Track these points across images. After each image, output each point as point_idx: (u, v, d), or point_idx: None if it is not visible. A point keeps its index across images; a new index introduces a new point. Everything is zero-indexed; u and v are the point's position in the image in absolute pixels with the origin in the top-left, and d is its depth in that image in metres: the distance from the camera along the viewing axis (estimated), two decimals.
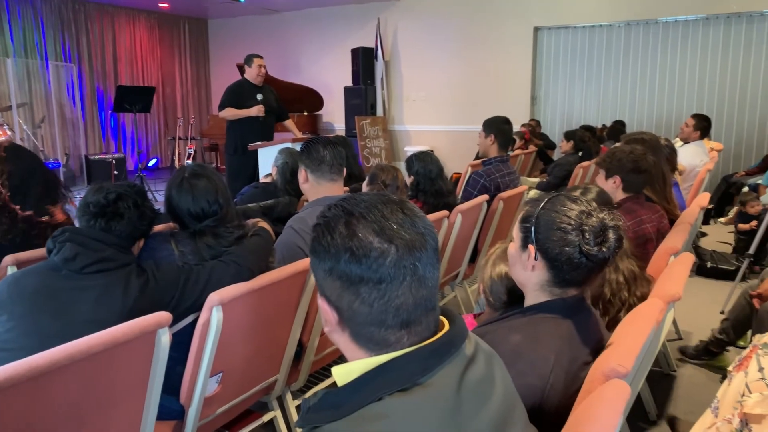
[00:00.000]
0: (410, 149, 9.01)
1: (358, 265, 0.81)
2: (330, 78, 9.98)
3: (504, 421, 0.89)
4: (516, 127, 5.99)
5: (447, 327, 0.88)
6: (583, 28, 8.22)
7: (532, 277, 1.31)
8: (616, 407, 0.99)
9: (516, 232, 1.36)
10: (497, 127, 3.71)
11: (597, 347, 1.31)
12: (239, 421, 2.08)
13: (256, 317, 1.82)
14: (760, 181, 5.65)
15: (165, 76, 11.05)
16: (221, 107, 5.56)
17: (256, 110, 5.44)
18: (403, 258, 0.81)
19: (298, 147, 2.94)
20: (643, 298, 1.80)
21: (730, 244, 5.12)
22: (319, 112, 9.90)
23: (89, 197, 1.70)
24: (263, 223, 2.05)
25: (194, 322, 1.67)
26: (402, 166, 3.43)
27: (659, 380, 2.86)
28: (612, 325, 1.63)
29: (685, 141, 5.18)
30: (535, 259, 1.28)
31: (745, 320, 2.75)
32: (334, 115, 10.09)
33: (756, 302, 2.62)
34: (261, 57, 5.58)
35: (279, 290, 1.87)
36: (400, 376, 0.80)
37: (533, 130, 7.52)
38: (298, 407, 2.23)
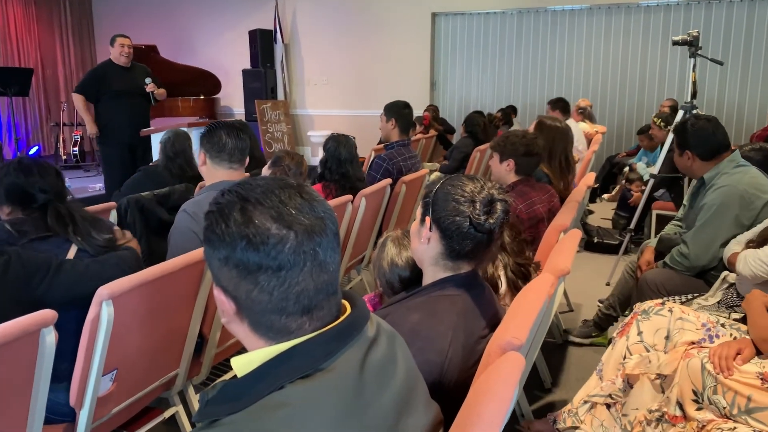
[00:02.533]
0: (313, 134, 8.93)
1: (256, 252, 0.78)
2: (227, 60, 9.65)
3: (406, 400, 0.91)
4: (417, 112, 6.10)
5: (349, 310, 0.88)
6: (478, 14, 8.46)
7: (428, 250, 1.37)
8: (512, 378, 1.04)
9: (419, 209, 1.42)
10: (398, 111, 3.75)
11: (493, 321, 1.38)
12: (138, 419, 1.99)
13: (151, 310, 1.74)
14: (634, 161, 6.10)
15: (45, 56, 10.19)
16: (77, 90, 5.29)
17: (90, 126, 5.27)
18: (302, 244, 0.79)
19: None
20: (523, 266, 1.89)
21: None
22: (217, 96, 9.55)
23: None
24: (135, 245, 2.00)
25: (80, 319, 1.57)
26: (305, 151, 3.41)
27: (552, 350, 3.03)
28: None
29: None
30: (430, 230, 1.34)
31: (628, 294, 2.97)
32: (232, 99, 9.79)
33: (638, 273, 2.84)
34: (126, 36, 5.28)
35: (175, 281, 1.79)
36: (301, 363, 0.79)
37: (433, 115, 7.69)
38: (199, 399, 2.16)
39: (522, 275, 1.86)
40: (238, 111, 9.64)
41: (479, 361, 1.25)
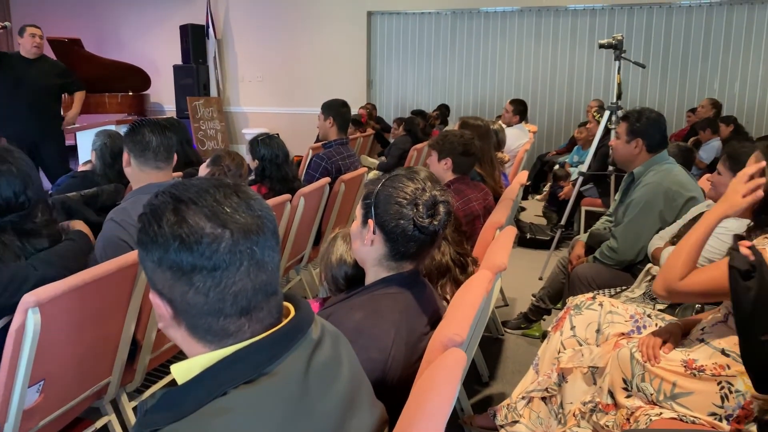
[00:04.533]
0: (248, 131, 8.77)
1: (189, 253, 0.76)
2: (157, 56, 9.33)
3: (351, 400, 0.91)
4: (354, 110, 6.10)
5: (292, 313, 0.87)
6: (414, 14, 8.55)
7: (371, 252, 1.37)
8: (455, 375, 1.06)
9: (358, 209, 1.41)
10: (335, 110, 3.74)
11: (434, 318, 1.40)
12: (69, 431, 1.89)
13: (80, 317, 1.66)
14: (566, 160, 6.34)
15: None
16: None
17: None
18: (238, 243, 0.78)
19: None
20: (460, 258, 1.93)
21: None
22: (146, 92, 9.21)
23: None
24: (80, 225, 1.85)
25: (4, 328, 1.48)
26: (240, 149, 3.33)
27: (490, 344, 3.11)
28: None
29: (507, 125, 5.65)
30: (374, 233, 1.34)
31: (559, 287, 3.08)
32: (162, 96, 9.47)
33: (569, 267, 2.95)
34: (37, 27, 4.94)
35: (105, 286, 1.72)
36: (245, 368, 0.78)
37: (370, 113, 7.71)
38: (135, 409, 2.09)
39: (460, 264, 1.90)
40: (169, 108, 9.33)
41: (421, 358, 1.27)
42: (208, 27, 8.87)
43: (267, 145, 3.08)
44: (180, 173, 3.22)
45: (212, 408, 0.75)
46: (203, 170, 2.80)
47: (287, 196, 2.89)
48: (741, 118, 6.83)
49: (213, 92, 9.06)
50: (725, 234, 2.09)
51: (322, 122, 3.76)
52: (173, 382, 0.82)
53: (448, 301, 1.63)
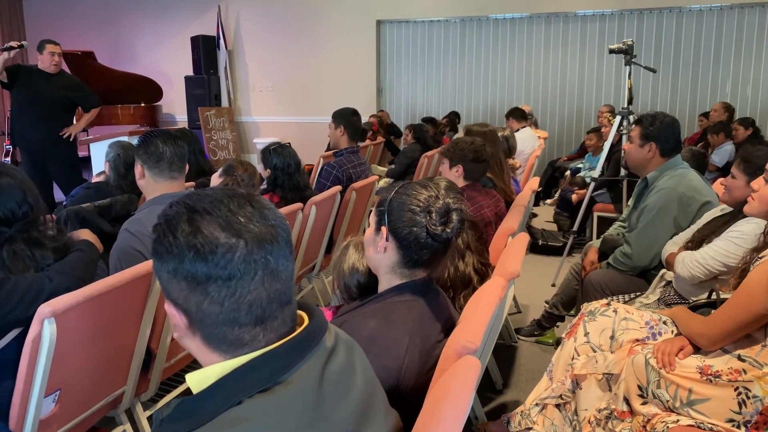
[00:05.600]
0: (259, 141, 8.82)
1: (204, 263, 0.77)
2: (169, 67, 9.43)
3: (366, 409, 0.91)
4: (364, 119, 6.13)
5: (306, 321, 0.87)
6: (423, 22, 8.58)
7: (384, 259, 1.37)
8: (469, 382, 1.05)
9: (372, 217, 1.42)
10: (346, 118, 3.75)
11: (447, 325, 1.39)
12: None
13: (95, 327, 1.67)
14: (580, 166, 6.31)
15: None
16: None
17: None
18: (253, 252, 0.78)
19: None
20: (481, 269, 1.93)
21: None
22: (158, 103, 9.31)
23: None
24: (87, 234, 1.87)
25: (21, 338, 1.49)
26: (252, 158, 3.34)
27: (503, 351, 3.09)
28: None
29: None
30: (387, 240, 1.34)
31: (572, 294, 3.06)
32: (175, 107, 9.56)
33: (582, 273, 2.93)
34: (56, 43, 4.99)
35: (120, 296, 1.73)
36: (259, 377, 0.78)
37: (381, 121, 7.73)
38: (149, 418, 2.10)
39: (482, 274, 1.90)
40: (181, 119, 9.41)
41: (435, 366, 1.26)
42: (219, 38, 8.95)
43: (279, 154, 3.09)
44: (193, 183, 3.25)
45: (227, 417, 0.75)
46: (215, 180, 2.81)
47: (299, 204, 2.90)
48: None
49: (224, 102, 9.12)
50: (740, 238, 2.07)
51: (332, 131, 3.78)
52: (188, 391, 0.83)
53: None
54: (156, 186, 2.20)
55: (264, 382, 0.78)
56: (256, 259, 0.78)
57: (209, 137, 8.57)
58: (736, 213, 2.19)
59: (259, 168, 3.10)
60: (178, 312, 0.81)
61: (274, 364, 0.80)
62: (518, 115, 5.89)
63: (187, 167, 2.32)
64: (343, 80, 8.77)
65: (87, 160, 5.84)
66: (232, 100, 9.24)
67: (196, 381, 0.81)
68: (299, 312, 0.89)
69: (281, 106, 9.25)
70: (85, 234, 1.87)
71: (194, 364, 0.74)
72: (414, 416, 1.01)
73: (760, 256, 1.72)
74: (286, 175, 3.08)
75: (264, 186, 3.14)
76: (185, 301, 0.80)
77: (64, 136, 4.99)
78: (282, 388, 0.79)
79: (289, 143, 3.24)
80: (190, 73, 8.94)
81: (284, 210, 2.76)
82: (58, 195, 5.32)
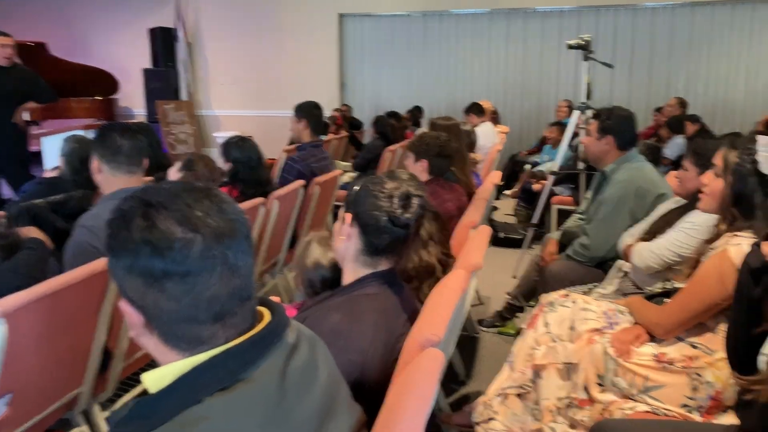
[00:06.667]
0: (219, 135, 8.67)
1: (161, 258, 0.75)
2: (126, 59, 9.17)
3: (329, 405, 0.90)
4: (327, 113, 6.10)
5: (267, 317, 0.86)
6: (385, 17, 8.56)
7: (349, 247, 1.40)
8: (433, 375, 1.06)
9: (341, 208, 1.45)
10: (309, 112, 3.72)
11: (411, 318, 1.40)
12: None
13: (49, 326, 1.62)
14: (537, 160, 6.42)
15: None
16: None
17: None
18: (211, 247, 0.77)
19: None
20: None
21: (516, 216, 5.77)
22: (115, 96, 9.07)
23: None
24: (34, 232, 1.82)
25: None
26: (212, 152, 3.28)
27: (465, 343, 3.13)
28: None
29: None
30: (351, 226, 1.38)
31: (532, 285, 3.11)
32: (132, 100, 9.32)
33: (542, 264, 2.98)
34: (7, 35, 4.82)
35: (75, 294, 1.68)
36: (220, 374, 0.77)
37: (344, 115, 7.70)
38: (107, 419, 2.05)
39: (445, 265, 1.91)
40: (139, 112, 9.19)
41: (398, 359, 1.27)
42: (177, 30, 8.76)
43: (240, 148, 3.04)
44: (151, 178, 3.17)
45: (189, 416, 0.73)
46: (174, 174, 2.75)
47: (260, 199, 2.87)
48: (704, 116, 6.97)
49: (183, 96, 8.94)
50: (693, 229, 2.14)
51: (295, 124, 3.74)
52: (147, 391, 0.81)
53: None
54: (113, 180, 2.14)
55: (225, 379, 0.77)
56: (214, 254, 0.77)
57: (168, 131, 8.40)
58: (690, 205, 2.26)
59: (220, 162, 3.05)
60: (134, 310, 0.79)
61: (235, 362, 0.78)
62: (477, 110, 5.96)
63: (147, 162, 2.26)
64: (306, 74, 8.70)
65: (38, 155, 5.65)
66: (191, 93, 9.06)
67: (153, 380, 0.79)
68: (260, 308, 0.88)
69: (242, 99, 9.12)
70: (33, 232, 1.82)
71: (154, 363, 0.72)
72: (377, 409, 1.01)
73: (711, 247, 1.77)
74: (248, 168, 3.03)
75: (224, 179, 3.09)
76: (141, 298, 0.78)
77: (20, 116, 4.81)
78: (244, 386, 0.78)
79: (251, 137, 3.19)
80: (149, 65, 8.74)
81: (246, 205, 2.72)
82: (6, 191, 5.14)
